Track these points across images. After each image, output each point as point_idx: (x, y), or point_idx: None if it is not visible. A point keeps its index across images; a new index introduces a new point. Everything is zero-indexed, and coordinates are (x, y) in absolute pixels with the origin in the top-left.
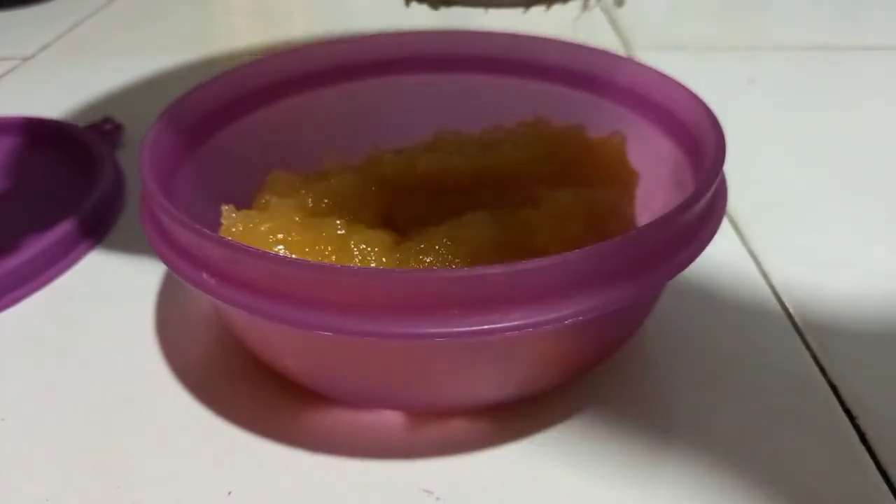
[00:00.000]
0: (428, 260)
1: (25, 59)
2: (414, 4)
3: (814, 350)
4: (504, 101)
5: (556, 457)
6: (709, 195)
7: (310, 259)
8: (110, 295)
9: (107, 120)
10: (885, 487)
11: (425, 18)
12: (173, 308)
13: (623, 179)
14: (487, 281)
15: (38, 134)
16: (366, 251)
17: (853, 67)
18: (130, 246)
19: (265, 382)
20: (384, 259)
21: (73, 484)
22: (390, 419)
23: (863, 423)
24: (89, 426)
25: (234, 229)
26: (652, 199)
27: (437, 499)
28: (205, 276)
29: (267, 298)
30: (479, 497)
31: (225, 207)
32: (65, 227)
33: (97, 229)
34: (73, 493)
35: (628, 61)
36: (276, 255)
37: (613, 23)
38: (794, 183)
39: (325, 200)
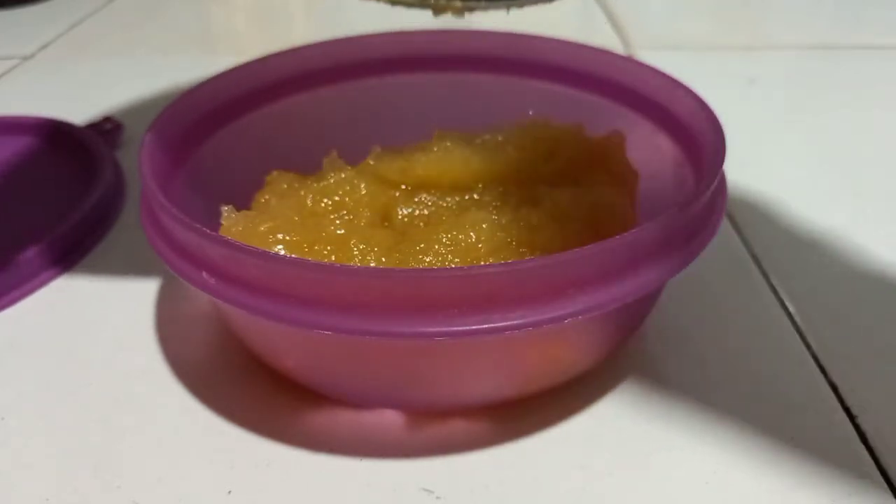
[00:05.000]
0: (428, 260)
1: (25, 58)
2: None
3: (814, 350)
4: (504, 101)
5: (556, 457)
6: (709, 195)
7: (309, 259)
8: (110, 295)
9: (107, 119)
10: (885, 487)
11: (425, 18)
12: (173, 308)
13: (623, 179)
14: (487, 281)
15: (37, 133)
16: (365, 251)
17: (853, 67)
18: (130, 246)
19: (265, 382)
20: (384, 259)
21: (73, 484)
22: (390, 419)
23: (863, 423)
24: (89, 426)
25: (233, 229)
26: (652, 199)
27: (437, 498)
28: (205, 275)
29: (267, 298)
30: (479, 497)
31: (225, 207)
32: (65, 227)
33: (97, 229)
34: (73, 493)
35: (628, 61)
36: (276, 254)
37: (613, 22)
38: (794, 183)
39: (325, 200)
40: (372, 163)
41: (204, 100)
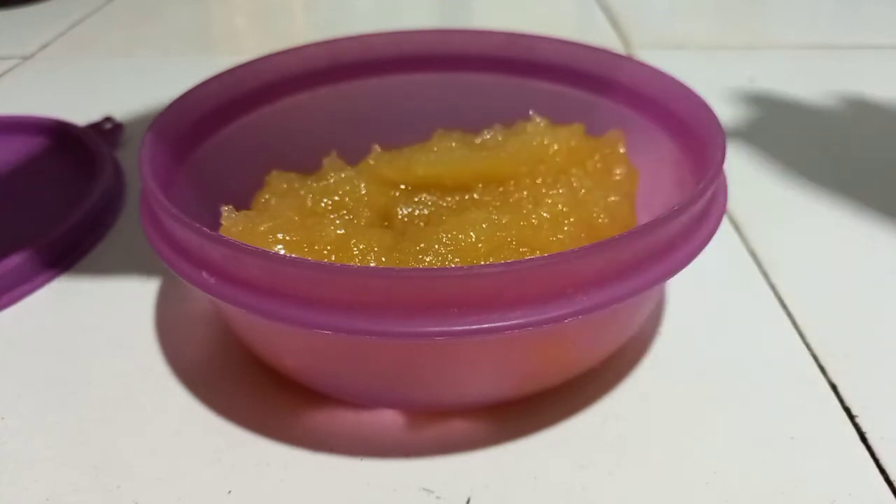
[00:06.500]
0: (428, 260)
1: (25, 58)
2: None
3: (814, 350)
4: (504, 101)
5: (556, 457)
6: (709, 194)
7: (309, 259)
8: (110, 295)
9: (107, 119)
10: (885, 487)
11: (425, 19)
12: (173, 308)
13: (623, 179)
14: (487, 281)
15: (37, 133)
16: (365, 251)
17: (853, 67)
18: (130, 245)
19: (265, 382)
20: (384, 259)
21: (73, 484)
22: (390, 419)
23: (863, 423)
24: (89, 426)
25: (233, 229)
26: (652, 199)
27: (438, 498)
28: (204, 275)
29: (267, 298)
30: (479, 497)
31: (225, 208)
32: (65, 227)
33: (97, 229)
34: (73, 493)
35: (628, 60)
36: (276, 253)
37: (613, 22)
38: (794, 182)
39: (325, 200)
40: (372, 163)
41: (204, 99)
